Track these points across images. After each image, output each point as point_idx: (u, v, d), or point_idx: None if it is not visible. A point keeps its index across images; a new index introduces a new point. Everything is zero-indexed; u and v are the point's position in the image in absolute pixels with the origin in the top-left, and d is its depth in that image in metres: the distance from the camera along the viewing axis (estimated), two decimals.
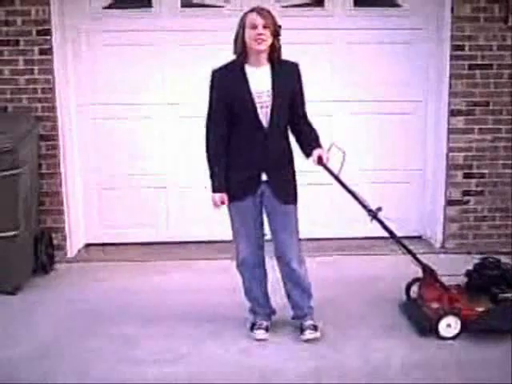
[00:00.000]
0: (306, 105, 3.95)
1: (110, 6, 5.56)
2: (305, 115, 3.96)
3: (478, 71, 5.46)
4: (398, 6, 5.67)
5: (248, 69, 3.77)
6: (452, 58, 5.46)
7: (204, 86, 5.38)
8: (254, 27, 3.65)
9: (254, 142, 3.78)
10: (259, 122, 3.75)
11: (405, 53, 5.69)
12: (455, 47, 5.43)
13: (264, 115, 3.76)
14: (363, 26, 5.63)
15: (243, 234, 3.96)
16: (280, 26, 3.75)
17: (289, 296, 4.14)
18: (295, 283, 4.07)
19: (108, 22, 5.54)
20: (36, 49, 5.24)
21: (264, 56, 3.77)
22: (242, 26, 3.72)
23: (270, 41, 3.70)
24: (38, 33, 5.22)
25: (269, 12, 3.75)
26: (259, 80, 3.76)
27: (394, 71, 5.72)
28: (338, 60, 5.64)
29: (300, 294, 4.10)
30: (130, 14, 5.56)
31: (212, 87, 3.83)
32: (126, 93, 5.64)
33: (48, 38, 5.24)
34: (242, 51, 3.74)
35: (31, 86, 5.28)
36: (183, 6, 5.60)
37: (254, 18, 3.67)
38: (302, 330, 4.07)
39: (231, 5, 5.59)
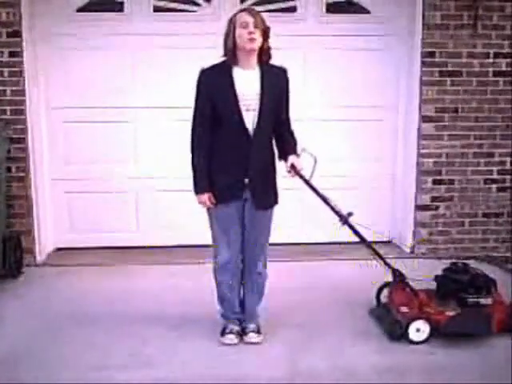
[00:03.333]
0: (289, 111, 3.94)
1: (81, 9, 5.53)
2: (288, 121, 3.95)
3: (448, 78, 5.53)
4: (369, 12, 5.72)
5: (236, 70, 3.74)
6: (423, 64, 5.52)
7: (176, 89, 5.45)
8: (245, 26, 3.63)
9: (239, 146, 3.75)
10: (244, 124, 3.71)
11: (376, 59, 5.75)
12: (426, 54, 5.50)
13: (251, 118, 3.72)
14: (335, 33, 5.68)
15: (224, 240, 3.92)
16: (269, 28, 3.73)
17: (242, 297, 4.13)
18: (254, 287, 4.08)
19: (79, 24, 5.50)
20: (6, 51, 5.19)
21: (254, 57, 3.74)
22: (232, 25, 3.70)
23: (260, 40, 3.68)
24: (8, 35, 5.17)
25: (258, 12, 3.74)
26: (246, 82, 3.72)
27: (366, 78, 5.77)
28: (309, 66, 5.68)
29: (253, 299, 4.11)
30: (102, 18, 5.53)
31: (198, 87, 3.78)
32: (97, 96, 5.62)
33: (18, 39, 5.20)
34: (233, 52, 3.71)
35: (0, 88, 5.23)
36: (155, 10, 5.59)
37: (245, 17, 3.66)
38: (245, 333, 4.07)
39: (203, 9, 5.60)
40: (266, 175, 3.88)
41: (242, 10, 3.77)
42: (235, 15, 3.72)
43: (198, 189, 3.83)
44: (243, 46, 3.68)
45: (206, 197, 3.81)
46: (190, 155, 3.82)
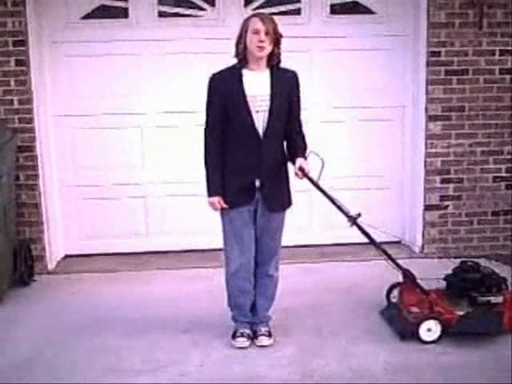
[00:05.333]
0: (300, 114, 3.96)
1: (86, 17, 5.54)
2: (299, 124, 3.96)
3: (454, 77, 5.52)
4: (373, 13, 5.71)
5: (246, 72, 3.77)
6: (428, 63, 5.51)
7: (183, 94, 5.46)
8: (256, 32, 3.66)
9: (249, 148, 3.77)
10: (254, 127, 3.73)
11: (381, 60, 5.74)
12: (431, 53, 5.48)
13: (261, 120, 3.74)
14: (340, 34, 5.67)
15: (237, 245, 3.93)
16: (281, 36, 3.76)
17: (253, 300, 4.12)
18: (265, 290, 4.09)
19: (85, 32, 5.51)
20: (12, 60, 5.21)
21: (263, 61, 3.77)
22: (244, 29, 3.73)
23: (270, 48, 3.71)
24: (15, 44, 5.19)
25: (272, 19, 3.76)
26: (256, 84, 3.75)
27: (371, 78, 5.76)
28: (315, 68, 5.66)
29: (264, 302, 4.12)
30: (107, 25, 5.54)
31: (209, 91, 3.82)
32: (103, 103, 5.62)
33: (24, 48, 5.21)
34: (243, 55, 3.75)
35: (8, 97, 5.25)
36: (160, 15, 5.60)
37: (257, 23, 3.68)
38: (256, 336, 4.08)
39: (208, 14, 5.61)
40: (277, 177, 3.89)
41: (255, 16, 3.79)
42: (249, 19, 3.75)
43: (210, 191, 3.85)
44: (253, 52, 3.71)
45: (216, 200, 3.83)
46: (203, 158, 3.85)
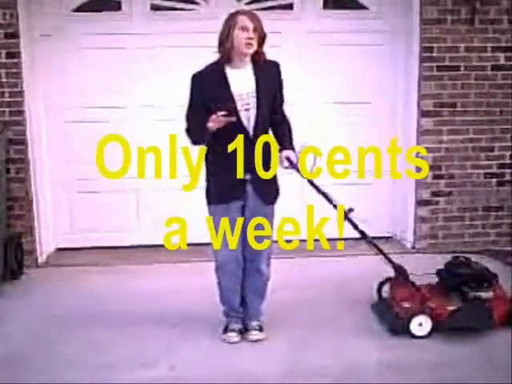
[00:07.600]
0: (284, 103, 3.92)
1: (78, 9, 5.52)
2: (283, 113, 3.92)
3: (446, 73, 5.53)
4: (366, 8, 5.71)
5: (229, 71, 3.73)
6: (421, 59, 5.52)
7: (175, 88, 5.43)
8: (245, 29, 3.62)
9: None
10: (243, 125, 3.69)
11: (374, 55, 5.74)
12: (424, 49, 5.49)
13: (249, 118, 3.71)
14: (332, 29, 5.67)
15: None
16: (266, 35, 3.71)
17: (243, 296, 4.10)
18: (256, 286, 4.06)
19: (77, 25, 5.50)
20: (3, 52, 5.19)
21: (248, 58, 3.74)
22: (230, 26, 3.66)
23: (256, 45, 3.68)
24: (6, 36, 5.16)
25: (258, 17, 3.72)
26: (241, 81, 3.71)
27: (364, 74, 5.76)
28: (306, 63, 5.66)
29: (255, 297, 4.09)
30: (100, 17, 5.52)
31: (192, 92, 3.77)
32: (95, 96, 5.61)
33: (16, 41, 5.19)
34: (228, 52, 3.69)
35: None
36: (153, 9, 5.59)
37: (245, 20, 3.64)
38: (247, 330, 4.08)
39: (201, 8, 5.60)
40: (267, 170, 3.83)
41: (242, 13, 3.74)
42: (235, 16, 3.68)
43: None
44: (240, 49, 3.66)
45: (214, 116, 3.61)
46: (186, 133, 3.87)
